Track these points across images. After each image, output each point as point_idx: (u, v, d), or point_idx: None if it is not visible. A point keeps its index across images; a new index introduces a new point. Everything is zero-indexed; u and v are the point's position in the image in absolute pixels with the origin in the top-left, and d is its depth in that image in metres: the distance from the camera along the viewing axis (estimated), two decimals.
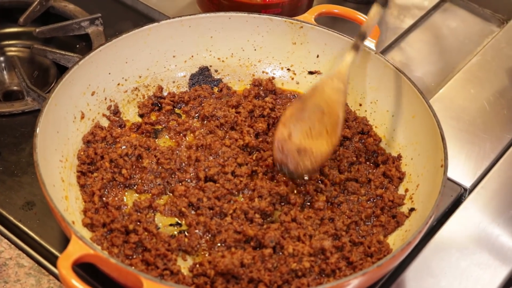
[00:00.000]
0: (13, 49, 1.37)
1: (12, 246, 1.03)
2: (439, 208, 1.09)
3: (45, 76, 1.32)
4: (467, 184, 1.15)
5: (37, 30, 1.32)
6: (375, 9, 1.07)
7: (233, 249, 0.98)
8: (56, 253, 1.02)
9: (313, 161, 1.00)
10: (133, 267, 0.95)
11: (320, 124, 1.02)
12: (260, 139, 1.14)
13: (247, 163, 1.10)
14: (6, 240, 1.04)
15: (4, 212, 1.07)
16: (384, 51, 1.37)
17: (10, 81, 1.32)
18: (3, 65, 1.34)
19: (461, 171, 1.16)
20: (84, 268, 0.96)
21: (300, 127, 1.02)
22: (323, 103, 1.02)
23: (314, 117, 1.02)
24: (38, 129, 1.00)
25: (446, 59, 1.39)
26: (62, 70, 1.28)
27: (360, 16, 1.21)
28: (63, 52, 1.28)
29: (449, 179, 1.14)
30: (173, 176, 1.08)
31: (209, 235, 1.01)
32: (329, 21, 1.29)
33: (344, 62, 1.07)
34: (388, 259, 0.90)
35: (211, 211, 1.03)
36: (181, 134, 1.15)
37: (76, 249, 0.88)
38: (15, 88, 1.31)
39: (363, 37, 1.07)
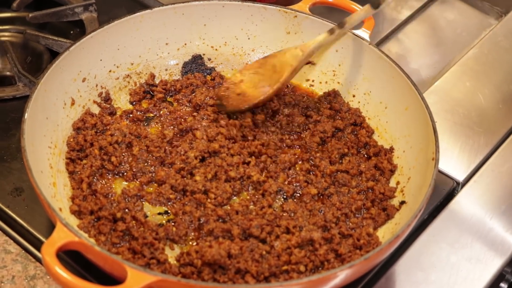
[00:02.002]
0: (6, 34, 1.36)
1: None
2: (431, 201, 1.08)
3: (38, 62, 1.31)
4: (460, 177, 1.14)
5: (30, 15, 1.31)
6: (365, 8, 1.12)
7: (221, 239, 0.97)
8: (43, 239, 1.01)
9: (244, 103, 1.12)
10: (118, 256, 0.94)
11: (268, 79, 1.12)
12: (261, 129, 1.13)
13: (240, 154, 1.09)
14: None
15: None
16: (380, 42, 1.36)
17: (2, 67, 1.31)
18: None
19: (454, 164, 1.16)
20: (71, 256, 0.95)
21: (252, 78, 1.13)
22: (278, 63, 1.13)
23: (266, 73, 1.13)
24: (26, 114, 0.99)
25: (443, 52, 1.37)
26: (55, 56, 1.26)
27: (355, 6, 1.20)
28: (56, 38, 1.27)
29: (442, 173, 1.13)
30: (162, 164, 1.07)
31: (195, 225, 1.00)
32: (324, 11, 1.27)
33: (314, 39, 1.14)
34: (375, 252, 0.89)
35: (195, 199, 1.02)
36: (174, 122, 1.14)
37: (61, 236, 0.87)
38: (7, 73, 1.30)
39: (342, 24, 1.13)
